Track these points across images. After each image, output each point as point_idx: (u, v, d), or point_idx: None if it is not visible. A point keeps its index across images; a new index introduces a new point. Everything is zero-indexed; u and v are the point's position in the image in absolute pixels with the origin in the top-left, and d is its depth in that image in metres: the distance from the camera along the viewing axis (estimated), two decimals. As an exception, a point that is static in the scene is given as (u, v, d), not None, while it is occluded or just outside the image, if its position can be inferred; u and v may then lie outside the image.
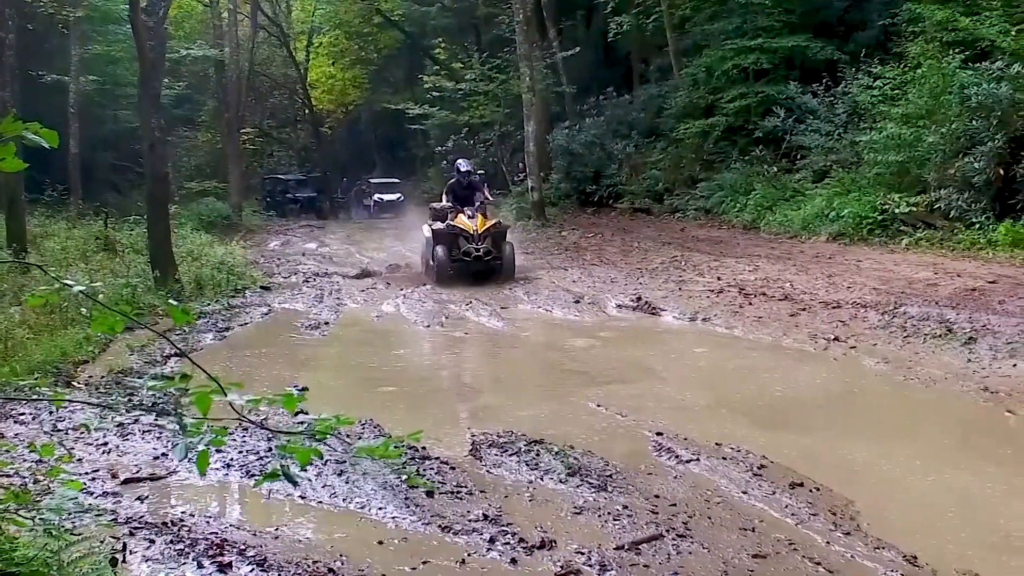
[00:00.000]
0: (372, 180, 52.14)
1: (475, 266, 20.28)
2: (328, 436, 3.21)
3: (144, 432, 9.24)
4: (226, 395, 3.09)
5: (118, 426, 9.28)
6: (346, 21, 54.16)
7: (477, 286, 19.58)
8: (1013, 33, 20.13)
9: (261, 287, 20.49)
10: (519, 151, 38.80)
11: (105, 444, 8.82)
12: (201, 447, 3.18)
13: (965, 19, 21.31)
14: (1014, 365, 11.53)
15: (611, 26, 35.33)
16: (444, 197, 21.75)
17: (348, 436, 9.17)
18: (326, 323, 16.67)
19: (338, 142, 62.47)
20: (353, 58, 57.50)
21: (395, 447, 3.32)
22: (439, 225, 20.70)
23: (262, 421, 8.07)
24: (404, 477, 7.64)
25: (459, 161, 22.71)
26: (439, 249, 20.40)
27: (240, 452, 8.41)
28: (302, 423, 8.47)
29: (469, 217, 20.35)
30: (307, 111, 55.59)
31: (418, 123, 44.94)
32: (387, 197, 48.35)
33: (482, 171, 41.93)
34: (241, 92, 45.27)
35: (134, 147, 37.10)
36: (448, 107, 42.01)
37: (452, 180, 22.00)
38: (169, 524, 6.88)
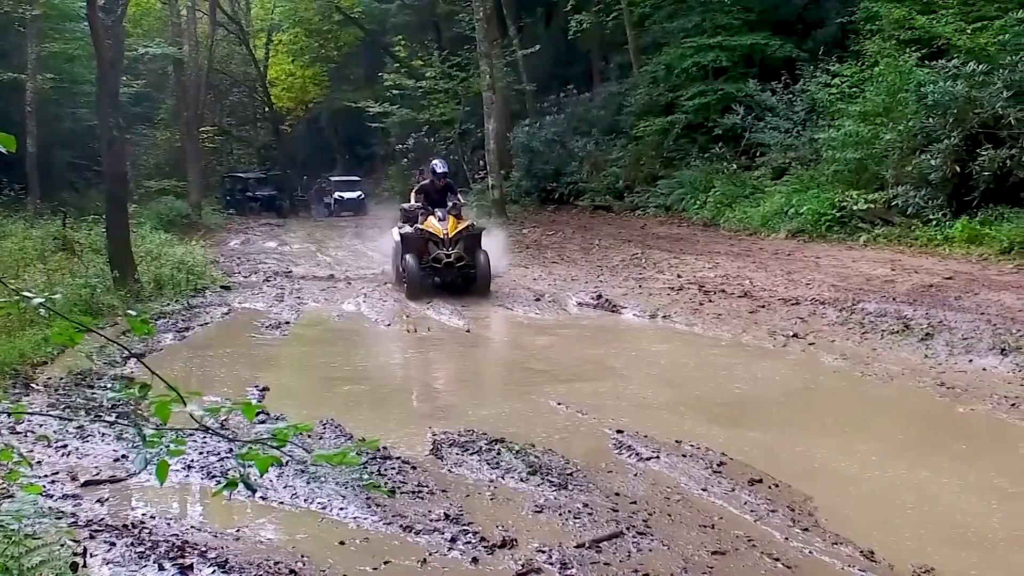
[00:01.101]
0: (332, 178, 51.95)
1: (445, 274, 18.38)
2: (287, 443, 3.21)
3: (104, 434, 9.18)
4: (186, 404, 3.09)
5: (78, 428, 9.23)
6: (306, 18, 54.11)
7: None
8: (968, 31, 20.30)
9: (221, 286, 20.38)
10: (480, 149, 38.82)
11: (65, 446, 8.76)
12: (160, 457, 3.18)
13: (921, 17, 21.51)
14: (970, 361, 11.67)
15: (571, 24, 35.42)
16: (414, 197, 19.71)
17: (309, 437, 9.19)
18: (287, 322, 16.60)
19: (298, 140, 62.24)
20: (313, 55, 57.38)
21: (353, 454, 3.32)
22: (408, 229, 18.93)
23: (223, 425, 8.10)
24: (364, 481, 7.61)
25: (435, 162, 20.75)
26: (409, 259, 18.44)
27: (201, 453, 8.37)
28: (264, 421, 8.47)
29: (440, 220, 18.49)
30: (267, 109, 55.39)
31: (379, 121, 44.83)
32: (347, 195, 48.18)
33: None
34: (200, 90, 45.13)
35: (92, 146, 36.88)
36: (408, 105, 42.00)
37: (425, 181, 20.18)
38: (130, 526, 6.84)
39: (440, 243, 18.32)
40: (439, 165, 20.20)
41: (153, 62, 46.86)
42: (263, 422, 9.62)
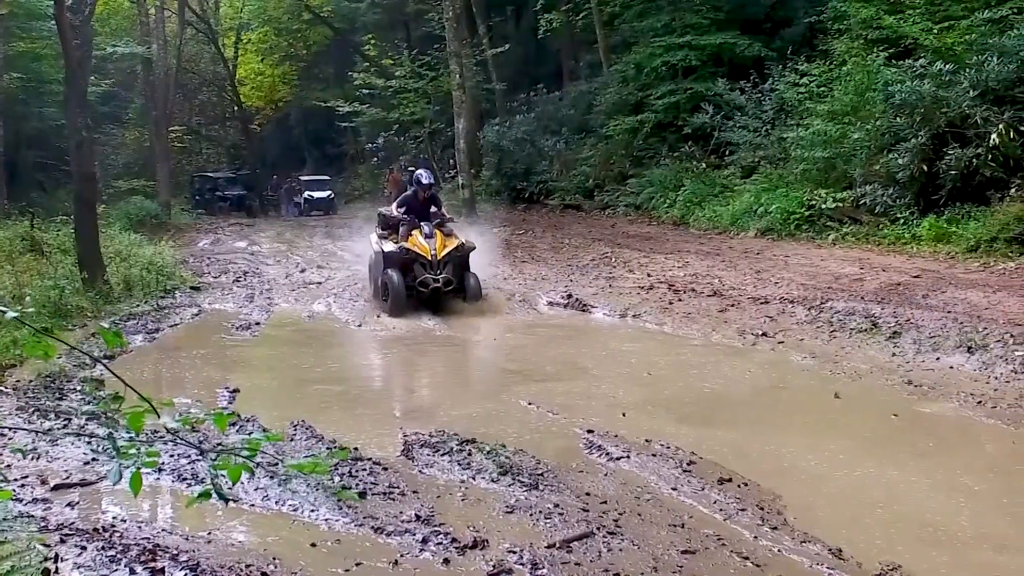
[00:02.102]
0: (302, 177, 51.89)
1: (432, 298, 16.85)
2: (258, 451, 3.23)
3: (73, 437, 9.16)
4: (159, 416, 3.11)
5: (47, 431, 9.19)
6: (275, 17, 53.97)
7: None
8: (935, 31, 20.46)
9: (191, 287, 20.31)
10: (449, 148, 38.82)
11: (34, 449, 8.72)
12: (133, 468, 3.19)
13: (889, 17, 21.65)
14: (937, 359, 11.76)
15: (541, 23, 35.61)
16: (396, 211, 17.76)
17: (280, 440, 9.18)
18: (257, 323, 16.55)
19: (268, 139, 62.10)
20: (282, 54, 57.27)
21: (327, 461, 3.35)
22: (391, 246, 17.04)
23: (194, 428, 8.09)
24: (335, 487, 7.59)
25: (419, 172, 18.73)
26: (394, 275, 16.66)
27: (171, 456, 8.35)
28: (235, 423, 8.45)
29: (426, 236, 16.87)
30: (236, 108, 55.27)
31: (348, 120, 44.78)
32: (317, 194, 48.12)
33: (413, 168, 42.00)
34: (169, 89, 44.95)
35: (60, 145, 36.73)
36: (378, 104, 41.99)
37: (408, 192, 18.28)
38: (100, 530, 6.82)
39: (427, 265, 16.75)
40: (424, 175, 18.31)
41: (121, 61, 46.68)
42: (234, 423, 9.68)
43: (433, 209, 17.74)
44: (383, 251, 17.15)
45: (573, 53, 39.20)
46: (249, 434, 8.92)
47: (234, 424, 9.69)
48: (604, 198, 30.53)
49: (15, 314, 3.20)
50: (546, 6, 35.37)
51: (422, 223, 17.17)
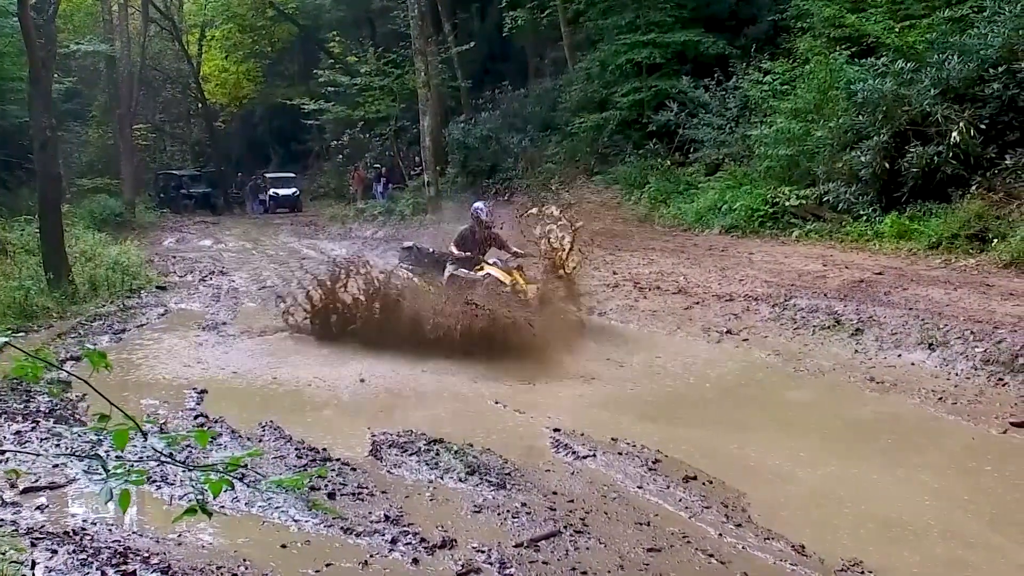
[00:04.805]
0: (267, 175, 51.75)
1: None
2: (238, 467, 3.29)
3: (42, 440, 9.15)
4: (146, 437, 3.16)
5: (15, 434, 9.19)
6: (239, 14, 53.68)
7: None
8: (897, 29, 20.59)
9: (157, 287, 20.30)
10: (415, 145, 38.86)
11: (3, 453, 8.71)
12: (121, 487, 3.24)
13: (851, 16, 21.79)
14: (899, 356, 11.91)
15: (506, 20, 35.53)
16: (455, 248, 15.12)
17: (249, 440, 9.22)
18: (224, 323, 16.53)
19: (232, 136, 61.75)
20: (247, 51, 56.94)
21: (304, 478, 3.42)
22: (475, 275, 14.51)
23: (162, 429, 8.09)
24: (309, 500, 7.59)
25: (477, 205, 15.87)
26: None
27: (140, 459, 8.34)
28: (203, 423, 8.47)
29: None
30: (200, 105, 54.96)
31: (313, 118, 44.62)
32: (283, 192, 48.03)
33: (379, 165, 42.03)
34: (133, 87, 44.72)
35: (23, 143, 36.40)
36: (343, 101, 41.87)
37: (464, 228, 15.48)
38: (71, 533, 6.83)
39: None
40: (482, 210, 15.63)
41: (85, 59, 46.41)
42: (202, 425, 9.70)
43: (492, 248, 15.31)
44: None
45: (538, 50, 39.19)
46: (218, 435, 8.99)
47: (203, 426, 9.71)
48: (569, 195, 30.54)
49: (5, 339, 3.23)
50: (511, 3, 35.32)
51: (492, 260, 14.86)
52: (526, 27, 36.00)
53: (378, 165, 42.98)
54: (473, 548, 6.66)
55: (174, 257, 27.35)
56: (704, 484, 7.92)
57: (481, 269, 14.67)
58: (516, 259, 15.09)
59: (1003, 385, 10.58)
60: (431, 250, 16.11)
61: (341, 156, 45.06)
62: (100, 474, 3.41)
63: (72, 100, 50.99)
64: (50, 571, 6.18)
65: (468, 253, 14.94)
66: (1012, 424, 9.45)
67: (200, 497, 3.44)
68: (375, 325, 13.91)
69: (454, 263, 15.00)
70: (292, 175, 51.01)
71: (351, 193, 44.46)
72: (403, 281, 15.00)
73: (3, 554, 6.01)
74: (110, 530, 6.99)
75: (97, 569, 6.21)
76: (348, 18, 50.79)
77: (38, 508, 7.45)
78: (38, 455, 8.78)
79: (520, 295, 13.96)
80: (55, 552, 6.45)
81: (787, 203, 20.78)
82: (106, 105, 50.81)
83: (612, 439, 9.14)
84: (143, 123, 52.87)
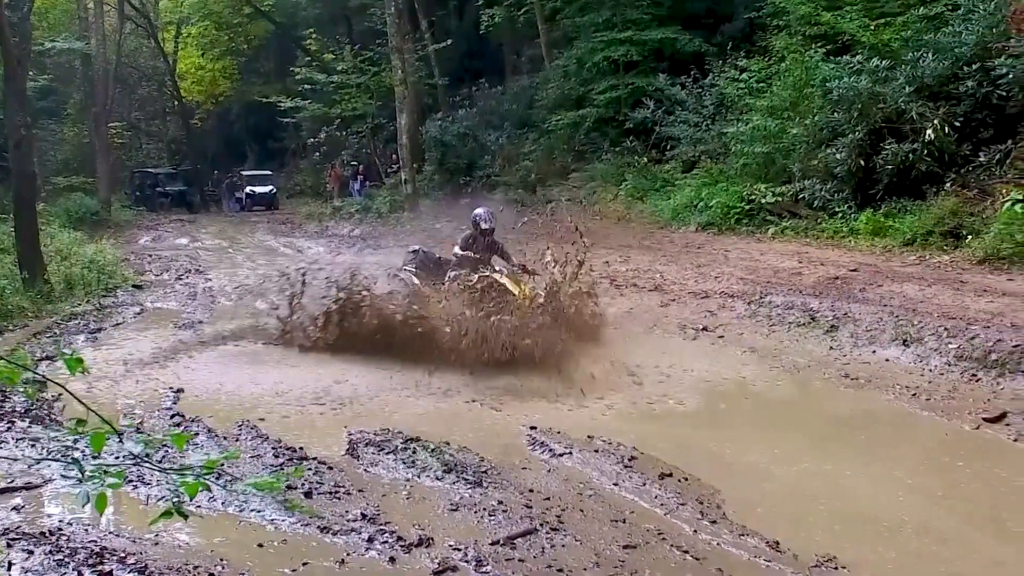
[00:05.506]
0: (244, 172, 51.52)
1: None
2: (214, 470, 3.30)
3: (17, 440, 9.11)
4: (122, 440, 3.17)
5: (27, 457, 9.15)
6: (215, 11, 53.51)
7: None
8: (872, 27, 20.70)
9: (133, 285, 20.22)
10: (392, 143, 38.80)
11: (-26, 453, 8.69)
12: (98, 490, 3.24)
13: (827, 13, 21.88)
14: (873, 352, 11.97)
15: (483, 18, 35.53)
16: (460, 252, 14.33)
17: (226, 439, 9.21)
18: (200, 321, 16.46)
19: (208, 134, 61.47)
20: (223, 49, 56.71)
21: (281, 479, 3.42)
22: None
23: (138, 429, 8.07)
24: (287, 502, 7.57)
25: (478, 212, 14.84)
26: None
27: (117, 458, 8.31)
28: (179, 422, 8.44)
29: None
30: (176, 103, 54.65)
31: (290, 115, 44.46)
32: (259, 189, 47.83)
33: (356, 163, 41.96)
34: (108, 84, 44.43)
35: (-3, 141, 36.21)
36: (320, 99, 41.76)
37: (467, 233, 14.64)
38: (47, 534, 6.80)
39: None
40: (484, 218, 14.59)
41: (60, 56, 46.13)
42: (178, 424, 9.69)
43: (495, 257, 14.35)
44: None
45: (515, 48, 39.20)
46: (195, 435, 8.97)
47: (179, 425, 9.69)
48: (546, 193, 30.57)
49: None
50: (488, 1, 35.34)
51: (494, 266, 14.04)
52: (503, 24, 36.03)
53: (355, 163, 42.91)
54: (450, 546, 6.68)
55: (150, 256, 27.24)
56: (680, 481, 7.95)
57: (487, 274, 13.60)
58: (523, 273, 13.92)
59: (976, 381, 10.65)
60: (437, 256, 15.47)
61: (318, 154, 44.99)
62: (77, 474, 3.40)
63: (47, 98, 50.68)
64: (26, 572, 6.17)
65: (475, 255, 14.04)
66: (984, 420, 9.52)
67: (176, 499, 3.43)
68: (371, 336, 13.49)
69: (456, 267, 14.19)
70: (269, 173, 50.78)
71: (328, 191, 44.39)
72: (406, 286, 14.32)
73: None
74: (87, 530, 6.97)
75: (73, 569, 6.19)
76: (325, 15, 50.67)
77: (14, 509, 7.42)
78: (15, 459, 8.75)
79: (525, 301, 13.01)
80: (31, 553, 6.43)
81: (763, 200, 20.86)
82: (81, 103, 50.53)
83: (588, 436, 9.16)
84: (119, 121, 52.56)
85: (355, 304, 13.64)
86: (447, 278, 14.21)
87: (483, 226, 14.35)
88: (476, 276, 13.38)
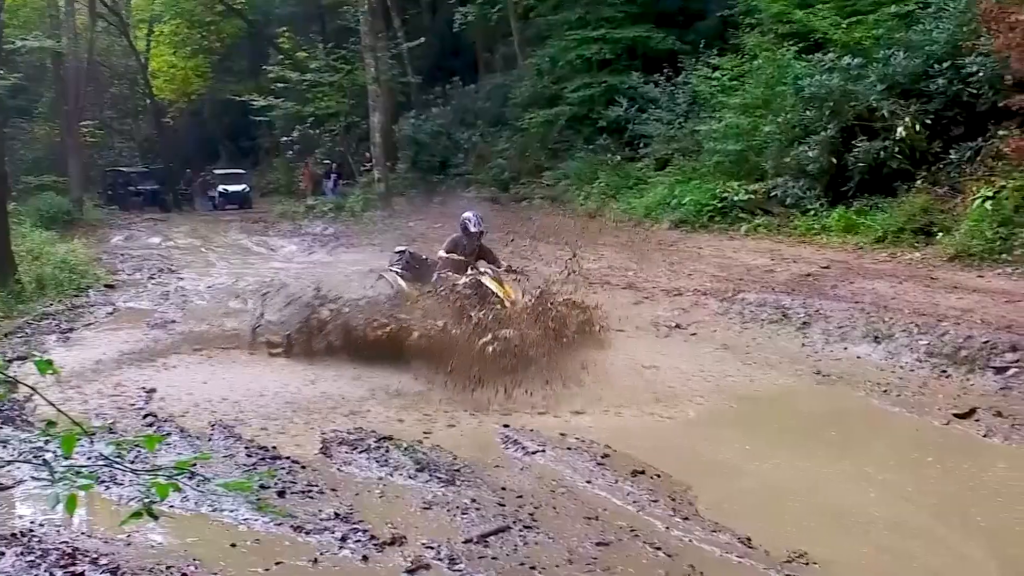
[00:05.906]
0: (216, 171, 51.27)
1: None
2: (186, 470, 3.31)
3: (-14, 441, 9.07)
4: (93, 442, 3.18)
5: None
6: (187, 9, 53.27)
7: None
8: (844, 25, 20.82)
9: (105, 285, 20.12)
10: (365, 141, 38.68)
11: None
12: (68, 492, 3.24)
13: (799, 12, 21.98)
14: (845, 349, 12.04)
15: (456, 16, 35.49)
16: (445, 255, 14.09)
17: (198, 439, 9.18)
18: (172, 321, 16.40)
19: (181, 133, 61.17)
20: (195, 47, 56.46)
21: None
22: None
23: (111, 430, 8.03)
24: (260, 503, 7.52)
25: (467, 215, 14.45)
26: None
27: (88, 459, 8.28)
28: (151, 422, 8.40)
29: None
30: (149, 101, 54.37)
31: (263, 114, 44.28)
32: (232, 188, 47.59)
33: (329, 161, 41.86)
34: (80, 83, 44.14)
35: (-33, 141, 35.96)
36: (293, 98, 41.58)
37: (456, 236, 14.36)
38: (19, 535, 6.77)
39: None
40: (472, 222, 14.25)
41: (31, 55, 45.77)
42: (151, 424, 9.66)
43: (481, 261, 13.92)
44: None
45: (489, 46, 39.20)
46: (168, 435, 8.94)
47: (151, 425, 9.65)
48: (520, 190, 30.61)
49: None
50: (461, -1, 35.43)
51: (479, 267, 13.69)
52: (476, 23, 36.03)
53: (328, 161, 42.78)
54: (422, 544, 6.68)
55: (123, 255, 27.10)
56: (652, 478, 7.98)
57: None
58: (510, 274, 13.89)
59: (946, 377, 10.76)
60: (424, 257, 15.18)
61: (291, 152, 44.76)
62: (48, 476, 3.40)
63: (18, 96, 50.27)
64: (-2, 573, 6.15)
65: (461, 258, 13.77)
66: (954, 415, 9.59)
67: (147, 500, 3.43)
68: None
69: (442, 268, 13.93)
70: (242, 171, 50.51)
71: (301, 189, 44.25)
72: (391, 287, 14.32)
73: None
74: (58, 531, 6.94)
75: (46, 571, 6.17)
76: (298, 14, 50.53)
77: (-16, 510, 7.40)
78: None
79: (509, 305, 12.77)
80: (3, 554, 6.40)
81: (736, 198, 20.93)
82: (53, 102, 50.16)
83: (561, 434, 9.18)
84: (91, 120, 52.19)
85: (320, 321, 13.43)
86: (434, 279, 14.01)
87: (472, 229, 14.10)
88: (463, 279, 13.15)
